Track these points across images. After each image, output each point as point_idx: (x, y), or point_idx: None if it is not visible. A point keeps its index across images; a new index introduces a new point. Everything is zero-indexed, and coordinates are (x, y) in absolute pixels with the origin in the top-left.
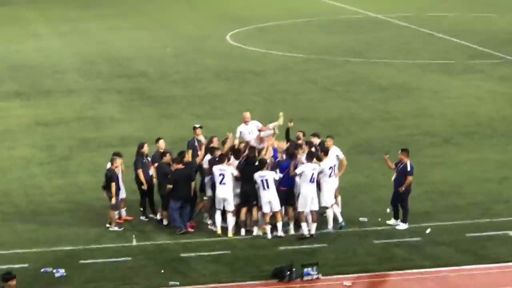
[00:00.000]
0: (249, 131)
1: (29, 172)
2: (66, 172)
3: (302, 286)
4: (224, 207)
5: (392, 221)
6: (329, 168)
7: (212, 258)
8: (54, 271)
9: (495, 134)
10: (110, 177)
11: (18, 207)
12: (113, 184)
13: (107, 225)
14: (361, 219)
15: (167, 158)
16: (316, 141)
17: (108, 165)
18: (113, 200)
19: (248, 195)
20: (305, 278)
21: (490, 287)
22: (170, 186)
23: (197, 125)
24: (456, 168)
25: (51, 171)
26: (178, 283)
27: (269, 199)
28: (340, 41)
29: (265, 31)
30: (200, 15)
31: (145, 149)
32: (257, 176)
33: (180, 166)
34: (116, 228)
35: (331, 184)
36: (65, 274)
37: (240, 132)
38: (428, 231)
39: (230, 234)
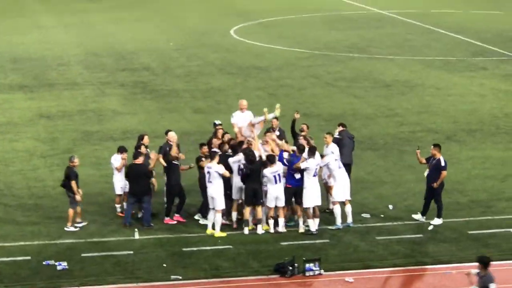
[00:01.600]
0: (245, 120)
1: (32, 165)
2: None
3: (304, 281)
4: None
5: (418, 216)
6: (335, 160)
7: (214, 253)
8: (56, 264)
9: (498, 131)
10: (69, 175)
11: (20, 199)
12: (73, 182)
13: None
14: (363, 215)
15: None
16: (340, 129)
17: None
18: (77, 197)
19: (253, 194)
20: (307, 273)
21: None
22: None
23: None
24: (458, 165)
25: (54, 164)
26: (180, 277)
27: (277, 194)
28: (344, 37)
29: (269, 26)
30: (204, 9)
31: (145, 140)
32: (268, 172)
33: (138, 161)
34: (72, 229)
35: (341, 178)
36: (67, 267)
37: (234, 117)
38: (430, 228)
39: (217, 233)
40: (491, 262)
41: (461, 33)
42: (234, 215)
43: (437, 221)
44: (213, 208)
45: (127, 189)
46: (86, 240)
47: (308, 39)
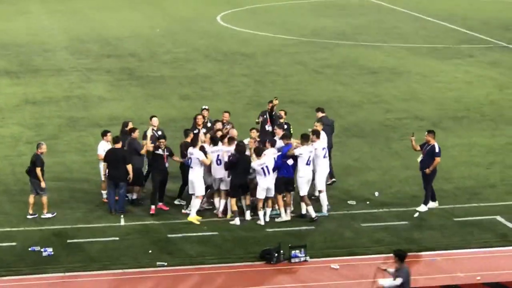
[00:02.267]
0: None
1: (17, 151)
2: (54, 151)
3: (289, 268)
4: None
5: (430, 204)
6: (322, 149)
7: (200, 239)
8: (42, 250)
9: (483, 119)
10: (34, 162)
11: (6, 185)
12: (38, 169)
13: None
14: (349, 202)
15: (135, 134)
16: (320, 115)
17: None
18: (42, 184)
19: (239, 187)
20: (293, 260)
21: (477, 272)
22: (105, 165)
23: (204, 107)
24: (444, 153)
25: None
26: (165, 263)
27: (267, 185)
28: (331, 24)
29: (256, 13)
30: None
31: (130, 127)
32: (256, 165)
33: (117, 146)
34: (49, 215)
35: (324, 167)
36: (52, 253)
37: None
38: (416, 215)
39: (190, 217)
40: (407, 255)
41: (447, 20)
42: (217, 202)
43: (422, 207)
44: (193, 194)
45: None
46: (72, 226)
47: (295, 25)
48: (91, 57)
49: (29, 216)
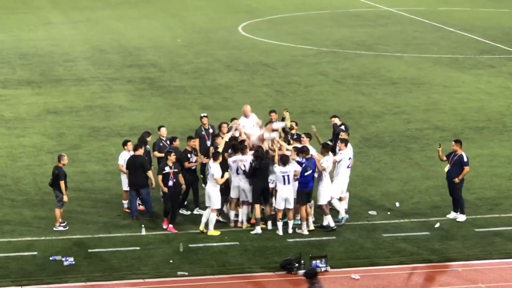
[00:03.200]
0: (251, 125)
1: (39, 160)
2: (76, 160)
3: None
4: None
5: (452, 215)
6: (349, 159)
7: (221, 249)
8: (63, 259)
9: (505, 129)
10: (57, 175)
11: (27, 194)
12: (61, 182)
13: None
14: (370, 212)
15: (176, 143)
16: (338, 121)
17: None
18: (65, 198)
19: (261, 192)
20: None
21: (498, 283)
22: (126, 171)
23: (202, 114)
24: None
25: None
26: (186, 273)
27: (286, 195)
28: (351, 34)
29: (277, 23)
30: (212, 6)
31: (149, 138)
32: (278, 170)
33: (137, 153)
34: (60, 228)
35: (345, 176)
36: (73, 262)
37: (242, 126)
38: (437, 225)
39: (209, 232)
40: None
41: (468, 30)
42: (232, 214)
43: (461, 217)
44: (209, 206)
45: None
46: (93, 236)
47: (316, 36)
48: (113, 67)
49: (55, 229)
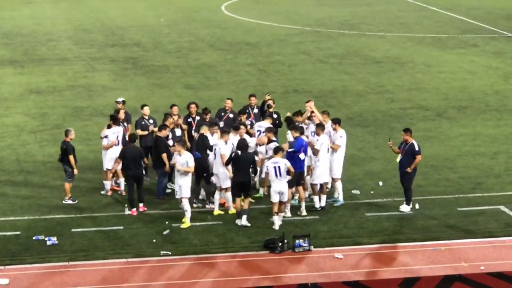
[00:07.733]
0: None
1: (22, 140)
2: (59, 140)
3: (293, 257)
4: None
5: (403, 207)
6: (340, 137)
7: (204, 229)
8: (46, 239)
9: (488, 108)
10: (66, 149)
11: (10, 174)
12: (71, 156)
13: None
14: (353, 191)
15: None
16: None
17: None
18: (75, 171)
19: (241, 187)
20: (297, 249)
21: (480, 262)
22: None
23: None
24: (449, 142)
25: (44, 139)
26: (169, 252)
27: (280, 189)
28: (335, 13)
29: (260, 2)
30: None
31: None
32: (270, 162)
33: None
34: (70, 202)
35: (342, 156)
36: (56, 242)
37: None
38: (416, 206)
39: (183, 224)
40: None
41: (452, 10)
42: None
43: (405, 207)
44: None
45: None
46: (76, 215)
47: (300, 15)
48: (95, 46)
49: (64, 202)
